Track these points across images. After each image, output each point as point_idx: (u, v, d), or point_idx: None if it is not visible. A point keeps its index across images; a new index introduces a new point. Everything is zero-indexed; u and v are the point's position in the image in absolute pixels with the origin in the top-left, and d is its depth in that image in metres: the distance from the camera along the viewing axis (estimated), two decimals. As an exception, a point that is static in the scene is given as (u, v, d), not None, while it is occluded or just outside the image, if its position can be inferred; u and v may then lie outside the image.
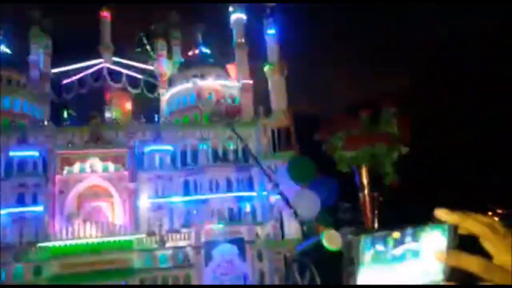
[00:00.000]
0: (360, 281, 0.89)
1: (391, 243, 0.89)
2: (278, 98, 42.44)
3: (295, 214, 9.40)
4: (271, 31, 44.56)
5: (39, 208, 36.14)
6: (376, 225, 8.40)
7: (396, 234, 0.89)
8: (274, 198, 35.61)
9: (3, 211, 35.56)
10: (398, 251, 0.89)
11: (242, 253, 36.93)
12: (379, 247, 0.90)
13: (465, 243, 0.92)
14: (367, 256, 0.89)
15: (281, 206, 30.95)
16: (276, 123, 41.59)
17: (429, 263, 0.89)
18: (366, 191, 8.41)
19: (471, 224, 0.90)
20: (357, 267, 0.87)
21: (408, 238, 0.89)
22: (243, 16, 48.47)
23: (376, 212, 8.52)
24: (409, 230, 0.89)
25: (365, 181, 8.45)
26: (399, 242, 0.90)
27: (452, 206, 0.93)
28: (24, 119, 41.54)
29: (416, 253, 0.89)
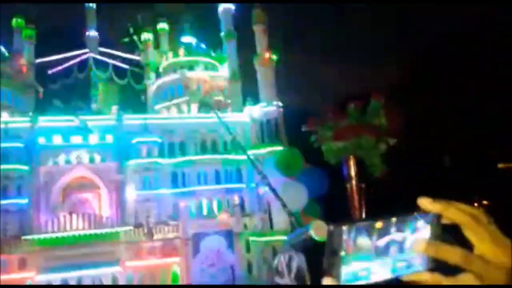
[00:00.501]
0: (342, 272, 0.86)
1: (375, 233, 0.87)
2: (266, 90, 42.38)
3: (283, 205, 9.40)
4: (258, 21, 44.28)
5: (24, 201, 35.66)
6: (363, 216, 8.46)
7: (379, 224, 0.87)
8: (263, 189, 35.69)
9: (-14, 204, 35.06)
10: (382, 241, 0.88)
11: (230, 244, 37.08)
12: (363, 237, 0.87)
13: (448, 232, 0.91)
14: (349, 246, 0.86)
15: (270, 197, 31.11)
16: (264, 115, 41.60)
17: (412, 254, 0.87)
18: (353, 182, 8.45)
19: (453, 213, 0.88)
20: (339, 258, 0.85)
21: (392, 229, 0.87)
22: (231, 6, 48.10)
23: (363, 203, 8.57)
24: (393, 221, 0.86)
25: (352, 172, 8.48)
26: (383, 233, 0.88)
27: (438, 196, 0.92)
28: (7, 110, 40.74)
29: (400, 244, 0.88)
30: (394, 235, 0.86)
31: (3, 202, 34.97)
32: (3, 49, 44.75)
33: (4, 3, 45.37)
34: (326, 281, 0.90)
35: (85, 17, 52.65)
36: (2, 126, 37.34)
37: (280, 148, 34.91)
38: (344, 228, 0.84)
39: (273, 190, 9.74)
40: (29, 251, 32.66)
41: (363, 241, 0.88)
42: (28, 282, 32.01)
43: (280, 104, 41.89)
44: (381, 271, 0.88)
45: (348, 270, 0.87)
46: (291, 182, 9.70)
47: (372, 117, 8.80)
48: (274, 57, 43.45)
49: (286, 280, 8.12)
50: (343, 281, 0.87)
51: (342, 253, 0.87)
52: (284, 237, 32.47)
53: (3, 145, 36.13)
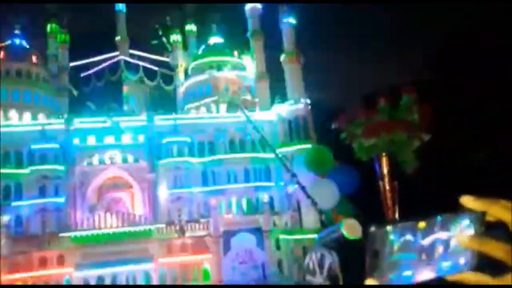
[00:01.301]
0: (385, 273, 0.86)
1: (419, 233, 0.86)
2: (294, 87, 42.15)
3: (314, 203, 9.33)
4: (287, 20, 44.07)
5: (61, 199, 37.03)
6: (397, 215, 8.30)
7: (423, 224, 0.87)
8: (292, 188, 35.61)
9: (26, 202, 36.63)
10: (427, 241, 0.87)
11: (260, 242, 37.19)
12: (408, 237, 0.87)
13: (493, 230, 0.89)
14: (393, 247, 0.86)
15: (299, 195, 30.98)
16: (292, 113, 41.39)
17: (457, 253, 0.87)
18: (386, 180, 8.29)
19: (499, 210, 0.86)
20: (382, 259, 0.85)
21: (436, 228, 0.88)
22: (258, 5, 48.12)
23: (396, 201, 8.41)
24: (437, 220, 0.88)
25: (385, 170, 8.32)
26: (427, 232, 0.87)
27: (479, 194, 0.90)
28: (44, 112, 42.35)
29: (444, 243, 0.87)
30: (439, 234, 0.86)
31: (42, 200, 36.50)
32: (23, 43, 46.40)
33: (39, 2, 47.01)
34: (369, 282, 0.90)
35: (115, 20, 53.94)
36: (39, 128, 38.85)
37: (309, 145, 34.66)
38: (388, 228, 0.87)
39: (303, 188, 9.69)
40: (67, 247, 33.89)
41: (407, 241, 0.88)
42: (66, 278, 33.19)
43: (308, 101, 41.56)
44: (425, 271, 0.87)
45: (392, 271, 0.86)
46: (321, 180, 9.62)
47: (405, 112, 8.62)
48: (301, 54, 43.15)
49: (318, 279, 8.10)
50: (386, 282, 0.87)
51: (385, 254, 0.87)
52: (314, 236, 32.28)
53: (41, 146, 37.61)
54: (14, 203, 36.57)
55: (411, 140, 8.44)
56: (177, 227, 36.91)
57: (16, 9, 48.80)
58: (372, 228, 0.88)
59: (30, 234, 35.51)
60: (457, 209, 0.90)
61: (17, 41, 46.19)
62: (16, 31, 46.57)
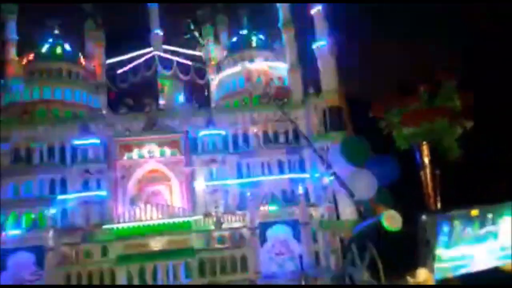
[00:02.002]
0: (438, 262, 0.85)
1: (473, 222, 0.83)
2: (328, 77, 41.50)
3: (351, 195, 9.17)
4: (318, 8, 43.33)
5: (103, 193, 38.46)
6: (439, 205, 8.01)
7: (475, 212, 0.83)
8: (328, 179, 35.28)
9: (71, 196, 38.32)
10: (482, 230, 0.84)
11: (296, 234, 37.19)
12: (461, 226, 0.84)
13: None
14: (447, 236, 0.85)
15: (336, 187, 30.65)
16: (326, 103, 40.85)
17: (505, 243, 0.85)
18: (427, 169, 8.03)
19: None
20: (433, 248, 0.85)
21: (488, 218, 0.84)
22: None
23: (438, 190, 8.12)
24: (491, 208, 0.84)
25: (426, 158, 8.05)
26: (482, 221, 0.84)
27: None
28: (84, 109, 43.97)
29: (494, 234, 0.84)
30: (491, 225, 0.84)
31: (85, 194, 38.09)
32: (62, 43, 48.04)
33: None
34: (421, 272, 0.88)
35: (148, 17, 54.88)
36: (80, 124, 40.42)
37: (345, 136, 34.15)
38: (439, 217, 0.84)
39: (340, 180, 9.53)
40: (110, 240, 35.18)
41: (462, 230, 0.85)
42: (108, 270, 34.36)
43: (343, 90, 40.83)
44: (482, 260, 0.84)
45: (447, 260, 0.84)
46: (358, 170, 9.43)
47: (445, 99, 8.27)
48: (335, 43, 42.37)
49: (359, 270, 7.98)
50: (441, 271, 0.85)
51: (439, 243, 0.85)
52: (351, 227, 31.89)
53: (83, 142, 39.14)
54: (59, 197, 38.35)
55: (452, 127, 8.10)
56: (214, 219, 37.51)
57: (55, 10, 50.60)
58: (424, 217, 0.85)
59: (75, 226, 37.14)
60: (501, 199, 0.85)
61: (57, 41, 48.00)
62: (56, 32, 48.38)
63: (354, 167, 9.46)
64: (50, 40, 47.78)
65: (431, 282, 4.69)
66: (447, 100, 7.92)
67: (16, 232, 36.00)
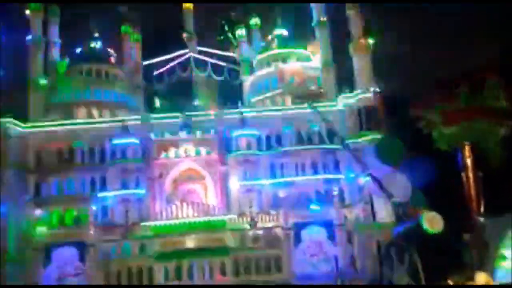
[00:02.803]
0: (496, 264, 0.85)
1: None
2: (362, 76, 40.88)
3: (388, 196, 9.01)
4: (354, 7, 42.68)
5: (141, 191, 39.51)
6: (482, 208, 7.76)
7: None
8: (363, 180, 34.73)
9: (110, 193, 39.62)
10: None
11: (331, 235, 36.80)
12: None
13: None
14: (508, 239, 0.85)
15: (371, 188, 30.02)
16: (361, 102, 40.20)
17: None
18: (469, 171, 7.80)
19: None
20: (493, 251, 0.85)
21: None
22: (323, -5, 47.22)
23: (481, 193, 7.86)
24: None
25: (468, 160, 7.82)
26: None
27: None
28: (122, 110, 45.28)
29: None
30: None
31: (124, 192, 39.28)
32: (99, 45, 49.71)
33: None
34: (479, 276, 0.90)
35: (183, 18, 55.82)
36: (119, 124, 41.64)
37: (380, 136, 33.48)
38: (503, 220, 0.86)
39: (376, 180, 9.37)
40: (147, 237, 36.13)
41: None
42: (147, 267, 35.28)
43: (378, 90, 40.04)
44: None
45: (504, 262, 0.85)
46: (395, 171, 9.25)
47: (489, 98, 7.99)
48: (371, 41, 41.63)
49: (397, 274, 7.82)
50: (505, 271, 0.87)
51: (499, 246, 0.86)
52: (388, 229, 31.17)
53: (121, 141, 40.38)
54: (100, 194, 39.74)
55: (496, 128, 7.83)
56: (249, 219, 37.74)
57: (94, 13, 52.40)
58: (481, 219, 0.88)
59: (115, 224, 38.38)
60: None
61: (96, 43, 49.73)
62: (95, 34, 50.10)
63: (389, 168, 9.31)
64: (90, 42, 49.54)
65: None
66: (492, 99, 7.67)
67: (60, 228, 37.55)
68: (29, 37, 45.88)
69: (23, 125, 41.28)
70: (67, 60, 48.55)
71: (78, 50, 49.16)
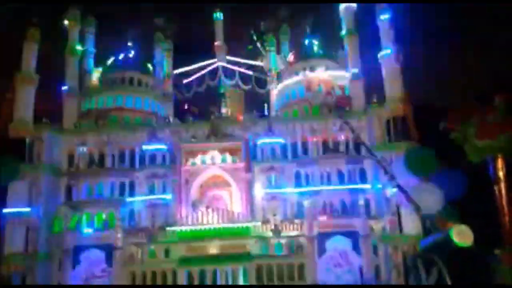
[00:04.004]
0: None
1: None
2: (392, 86, 40.33)
3: (416, 208, 8.90)
4: (384, 16, 42.38)
5: (168, 196, 40.21)
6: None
7: None
8: (391, 191, 34.19)
9: (138, 198, 40.48)
10: None
11: (356, 246, 36.31)
12: None
13: None
14: None
15: (399, 199, 29.57)
16: (390, 112, 39.66)
17: None
18: (502, 184, 7.63)
19: None
20: None
21: None
22: (353, 5, 47.14)
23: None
24: None
25: (501, 173, 7.65)
26: None
27: None
28: (152, 117, 46.38)
29: None
30: None
31: (152, 197, 40.08)
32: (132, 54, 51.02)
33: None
34: None
35: (213, 28, 56.84)
36: (149, 130, 42.64)
37: (409, 146, 32.93)
38: None
39: (404, 192, 9.27)
40: (173, 241, 36.64)
41: None
42: (171, 271, 35.73)
43: (408, 100, 39.40)
44: None
45: None
46: (424, 183, 9.15)
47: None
48: (401, 51, 41.16)
49: (424, 285, 7.72)
50: None
51: None
52: (415, 242, 30.54)
53: (151, 147, 41.29)
54: (128, 199, 40.66)
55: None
56: (273, 227, 37.74)
57: (127, 23, 54.06)
58: None
59: (141, 227, 39.15)
60: None
61: (130, 52, 51.30)
62: (129, 44, 51.71)
63: (418, 179, 9.22)
64: (124, 51, 51.13)
65: None
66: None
67: (89, 230, 38.60)
68: (66, 47, 47.79)
69: (57, 129, 42.79)
70: (101, 68, 50.26)
71: (112, 58, 50.84)
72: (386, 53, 41.26)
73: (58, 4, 49.48)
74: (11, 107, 41.22)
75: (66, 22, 48.67)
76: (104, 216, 39.70)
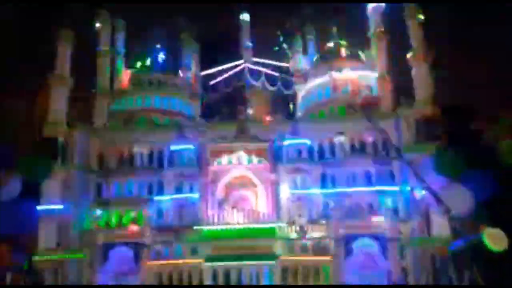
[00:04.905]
0: None
1: None
2: (422, 87, 39.57)
3: (446, 210, 8.78)
4: (414, 16, 41.59)
5: (195, 196, 40.67)
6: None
7: None
8: (420, 193, 33.54)
9: (166, 197, 41.17)
10: None
11: (384, 249, 35.78)
12: None
13: None
14: None
15: (428, 201, 28.94)
16: (419, 113, 38.91)
17: None
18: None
19: None
20: None
21: None
22: (381, 4, 46.55)
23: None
24: None
25: (535, 175, 7.44)
26: None
27: None
28: (180, 117, 47.13)
29: None
30: None
31: (179, 196, 40.68)
32: (162, 55, 51.98)
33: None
34: None
35: (240, 30, 57.23)
36: (177, 130, 43.34)
37: (438, 148, 32.22)
38: None
39: (434, 194, 9.16)
40: (199, 240, 37.12)
41: None
42: (197, 269, 36.13)
43: (437, 100, 38.59)
44: None
45: None
46: (454, 185, 9.05)
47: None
48: (431, 51, 40.34)
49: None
50: None
51: None
52: (445, 245, 29.81)
53: (179, 147, 41.95)
54: (156, 198, 41.43)
55: None
56: (298, 228, 37.66)
57: (155, 24, 55.12)
58: None
59: (169, 226, 39.77)
60: None
61: (158, 54, 52.37)
62: (157, 46, 52.79)
63: (448, 181, 9.11)
64: (152, 52, 52.25)
65: None
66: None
67: (119, 228, 39.50)
68: (98, 48, 49.20)
69: (89, 130, 44.08)
70: (130, 69, 51.52)
71: (141, 60, 52.00)
72: (415, 53, 40.51)
73: (89, 6, 50.99)
74: (44, 108, 42.73)
75: (97, 24, 50.15)
76: (133, 214, 40.59)
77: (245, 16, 57.10)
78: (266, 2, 59.40)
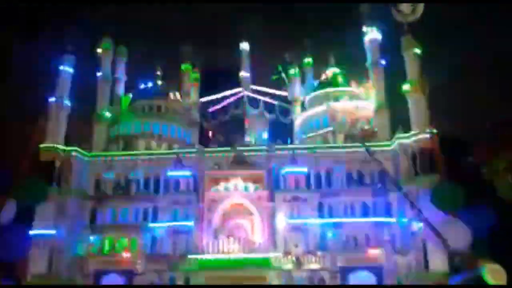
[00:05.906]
0: None
1: None
2: (419, 118, 39.80)
3: (445, 244, 8.62)
4: (410, 48, 42.28)
5: (190, 223, 39.99)
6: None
7: None
8: (417, 225, 33.22)
9: (161, 224, 40.46)
10: None
11: (380, 282, 35.08)
12: None
13: None
14: None
15: (425, 234, 28.62)
16: (417, 144, 38.97)
17: None
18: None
19: None
20: None
21: None
22: (378, 36, 47.48)
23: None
24: None
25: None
26: None
27: None
28: (178, 143, 47.05)
29: None
30: None
31: (174, 223, 39.93)
32: (160, 82, 52.42)
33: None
34: None
35: (239, 59, 58.04)
36: (174, 157, 43.08)
37: (436, 180, 32.05)
38: None
39: (432, 227, 9.03)
40: (193, 269, 36.33)
41: None
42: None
43: (434, 131, 38.65)
44: None
45: None
46: (452, 218, 8.94)
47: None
48: (427, 83, 40.80)
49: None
50: None
51: None
52: (442, 279, 29.26)
53: (175, 173, 41.62)
54: (150, 224, 40.76)
55: None
56: (294, 259, 36.98)
57: (156, 52, 55.94)
58: None
59: (163, 254, 38.93)
60: None
61: (158, 80, 52.87)
62: (157, 72, 53.35)
63: (446, 214, 8.99)
64: (152, 79, 52.74)
65: None
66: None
67: (112, 255, 38.68)
68: (99, 74, 49.61)
69: (86, 154, 43.87)
70: (130, 95, 51.85)
71: (141, 86, 52.44)
72: (412, 84, 40.95)
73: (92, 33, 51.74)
74: (43, 131, 42.58)
75: (99, 50, 50.75)
76: (126, 241, 39.85)
77: (245, 45, 58.04)
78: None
